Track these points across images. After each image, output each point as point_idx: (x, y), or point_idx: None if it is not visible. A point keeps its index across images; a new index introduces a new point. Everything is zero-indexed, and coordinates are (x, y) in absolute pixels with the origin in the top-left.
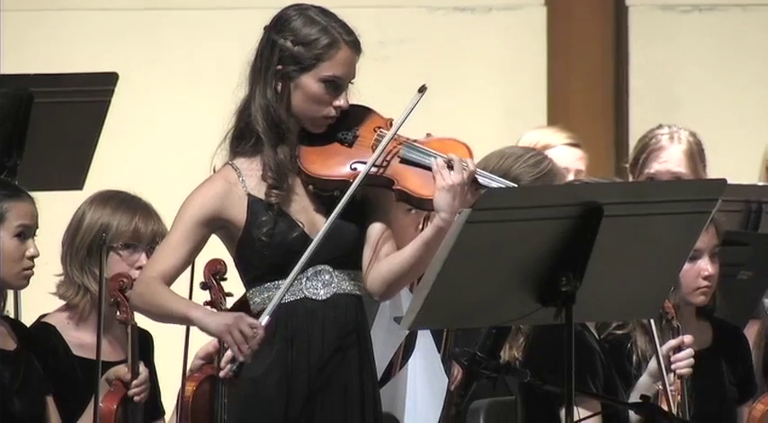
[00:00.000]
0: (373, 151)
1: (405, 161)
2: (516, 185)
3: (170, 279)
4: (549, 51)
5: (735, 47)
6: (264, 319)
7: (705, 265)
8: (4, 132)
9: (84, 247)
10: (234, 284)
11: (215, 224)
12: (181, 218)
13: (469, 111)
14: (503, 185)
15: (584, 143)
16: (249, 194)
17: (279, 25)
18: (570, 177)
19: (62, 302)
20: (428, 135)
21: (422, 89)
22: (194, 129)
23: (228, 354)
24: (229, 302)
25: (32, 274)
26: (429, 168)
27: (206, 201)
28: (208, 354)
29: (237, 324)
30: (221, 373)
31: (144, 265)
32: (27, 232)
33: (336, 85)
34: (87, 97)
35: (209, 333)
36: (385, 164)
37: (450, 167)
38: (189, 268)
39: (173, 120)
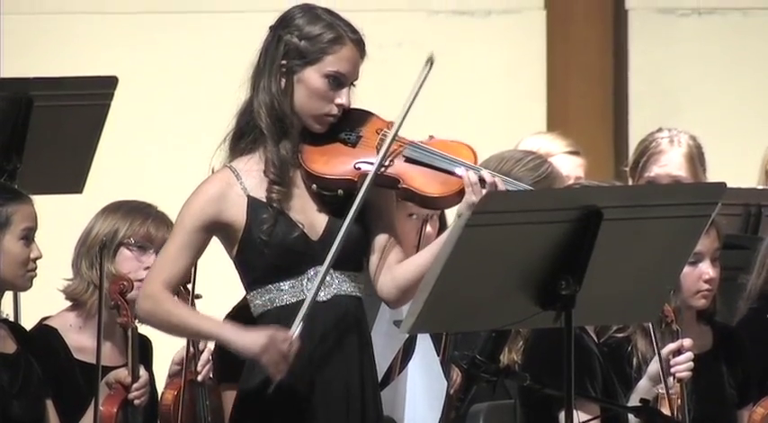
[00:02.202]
0: (377, 151)
1: (409, 160)
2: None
3: (174, 288)
4: (549, 55)
5: (734, 51)
6: (297, 330)
7: (706, 269)
8: (3, 136)
9: (96, 245)
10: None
11: (214, 228)
12: (180, 225)
13: (469, 114)
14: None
15: (583, 147)
16: (249, 196)
17: (284, 22)
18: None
19: (61, 306)
20: (431, 137)
21: (429, 61)
22: (195, 132)
23: (204, 356)
24: (198, 304)
25: (36, 275)
26: (433, 167)
27: (204, 206)
28: (183, 358)
29: (274, 343)
30: (199, 377)
31: (145, 277)
32: (31, 235)
33: (339, 82)
34: (87, 101)
35: (242, 354)
36: (389, 163)
37: (483, 184)
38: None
39: (173, 123)
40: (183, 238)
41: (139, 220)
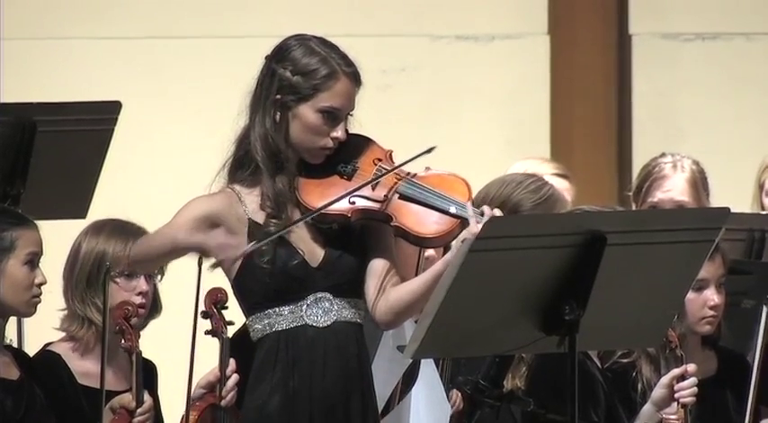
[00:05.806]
0: (373, 186)
1: (403, 197)
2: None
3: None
4: (552, 80)
5: (738, 76)
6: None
7: (711, 295)
8: (7, 161)
9: (84, 279)
10: (235, 313)
11: (213, 230)
12: (178, 216)
13: (471, 139)
14: None
15: (586, 172)
16: (249, 219)
17: (279, 55)
18: None
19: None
20: (427, 169)
21: (429, 150)
22: (197, 157)
23: (231, 382)
24: (231, 331)
25: (40, 301)
26: (427, 205)
27: (209, 203)
28: (209, 382)
29: None
30: (223, 402)
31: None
32: (35, 260)
33: (334, 116)
34: (91, 126)
35: None
36: (384, 199)
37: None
38: (194, 295)
39: (175, 148)
40: (177, 227)
41: (121, 245)
